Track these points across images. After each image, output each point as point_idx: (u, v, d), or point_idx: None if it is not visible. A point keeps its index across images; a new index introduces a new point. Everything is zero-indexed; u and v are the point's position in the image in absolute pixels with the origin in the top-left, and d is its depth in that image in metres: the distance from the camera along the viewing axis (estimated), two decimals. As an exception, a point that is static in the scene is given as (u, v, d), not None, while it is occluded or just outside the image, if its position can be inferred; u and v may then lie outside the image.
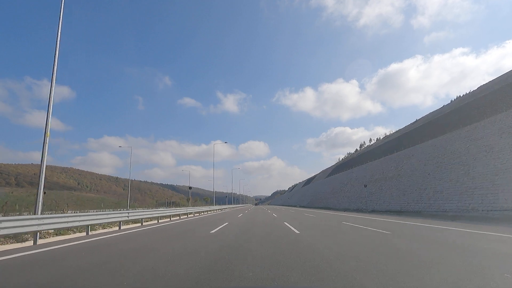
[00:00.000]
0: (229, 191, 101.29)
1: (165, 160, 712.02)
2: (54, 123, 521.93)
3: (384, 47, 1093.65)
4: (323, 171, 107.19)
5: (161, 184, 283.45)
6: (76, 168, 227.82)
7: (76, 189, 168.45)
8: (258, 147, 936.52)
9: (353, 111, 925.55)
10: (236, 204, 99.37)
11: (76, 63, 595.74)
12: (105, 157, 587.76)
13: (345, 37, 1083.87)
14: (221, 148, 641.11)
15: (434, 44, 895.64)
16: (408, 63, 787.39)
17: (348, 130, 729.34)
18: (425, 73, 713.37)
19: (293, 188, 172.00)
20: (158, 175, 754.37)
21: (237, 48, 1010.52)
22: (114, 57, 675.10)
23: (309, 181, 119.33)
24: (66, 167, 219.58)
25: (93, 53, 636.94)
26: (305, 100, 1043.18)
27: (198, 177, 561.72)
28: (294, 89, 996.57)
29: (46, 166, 9.28)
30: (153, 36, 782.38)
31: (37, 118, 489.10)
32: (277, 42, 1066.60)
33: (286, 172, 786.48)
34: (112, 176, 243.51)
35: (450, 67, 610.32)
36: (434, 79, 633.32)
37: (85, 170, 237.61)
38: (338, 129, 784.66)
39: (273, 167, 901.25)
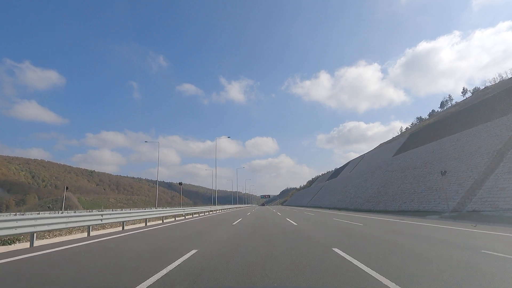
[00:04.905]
0: (235, 190, 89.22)
1: (169, 157, 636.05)
2: (47, 116, 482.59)
3: (418, 17, 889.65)
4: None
5: (156, 182, 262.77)
6: (47, 161, 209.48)
7: (19, 187, 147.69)
8: (266, 143, 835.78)
9: (372, 100, 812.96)
10: (241, 204, 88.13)
11: (59, 39, 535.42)
12: (106, 154, 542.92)
13: (372, 4, 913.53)
14: (227, 145, 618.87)
15: (484, 9, 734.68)
16: (442, 40, 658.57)
17: (362, 125, 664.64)
18: (461, 53, 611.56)
19: (335, 174, 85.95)
20: (162, 174, 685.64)
21: (249, 27, 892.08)
22: (98, 31, 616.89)
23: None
24: (31, 159, 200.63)
25: (75, 26, 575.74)
26: (319, 87, 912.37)
27: (204, 176, 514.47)
28: (307, 75, 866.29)
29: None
30: (141, 4, 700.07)
31: (28, 109, 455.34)
32: (296, 16, 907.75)
33: (295, 170, 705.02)
34: (87, 170, 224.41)
35: (492, 45, 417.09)
36: (471, 61, 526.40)
37: (55, 162, 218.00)
38: (352, 124, 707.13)
39: (282, 165, 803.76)
